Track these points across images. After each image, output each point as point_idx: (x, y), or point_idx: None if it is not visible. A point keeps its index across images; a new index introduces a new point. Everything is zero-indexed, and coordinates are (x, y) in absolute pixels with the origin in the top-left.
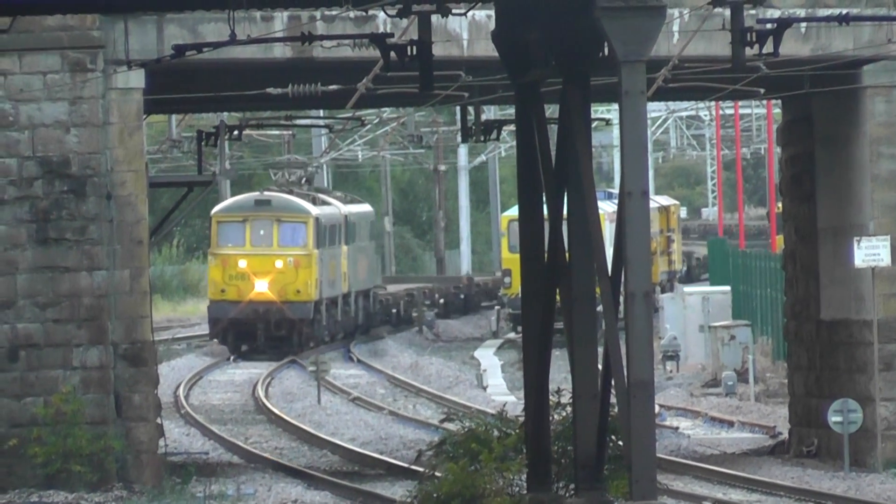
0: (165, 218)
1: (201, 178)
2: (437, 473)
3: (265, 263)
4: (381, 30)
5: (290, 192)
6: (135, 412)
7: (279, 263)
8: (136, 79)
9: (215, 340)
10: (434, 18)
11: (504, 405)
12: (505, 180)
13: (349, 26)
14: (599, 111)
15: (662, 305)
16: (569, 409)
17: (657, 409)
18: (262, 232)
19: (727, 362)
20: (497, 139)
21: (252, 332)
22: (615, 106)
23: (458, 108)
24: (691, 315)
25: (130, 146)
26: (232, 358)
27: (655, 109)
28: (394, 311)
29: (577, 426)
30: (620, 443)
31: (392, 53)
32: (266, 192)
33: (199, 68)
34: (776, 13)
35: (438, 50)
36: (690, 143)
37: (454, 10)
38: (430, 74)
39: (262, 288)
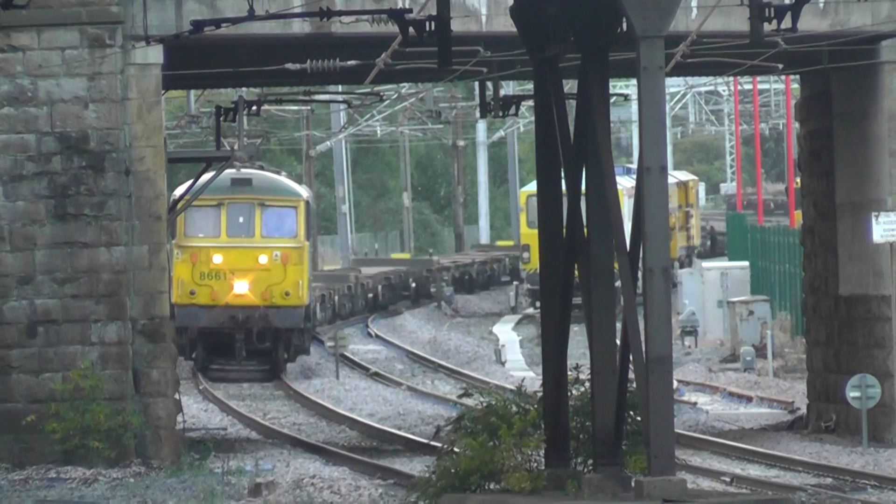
0: (184, 194)
1: (220, 154)
2: (456, 449)
3: (245, 259)
4: (400, 5)
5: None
6: (153, 388)
7: (263, 259)
8: (155, 54)
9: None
10: None
11: (522, 380)
12: (524, 156)
13: (368, 2)
14: (618, 87)
15: (681, 281)
16: (587, 384)
17: (675, 384)
18: (240, 219)
19: (746, 338)
20: (516, 115)
21: (227, 345)
22: (634, 81)
23: (476, 83)
24: (710, 290)
25: (149, 122)
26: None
27: (674, 85)
28: (370, 296)
29: (596, 402)
30: (639, 418)
31: (411, 29)
32: (245, 170)
33: (217, 44)
34: None
35: (457, 25)
36: (709, 118)
37: None
38: (449, 50)
39: (241, 289)
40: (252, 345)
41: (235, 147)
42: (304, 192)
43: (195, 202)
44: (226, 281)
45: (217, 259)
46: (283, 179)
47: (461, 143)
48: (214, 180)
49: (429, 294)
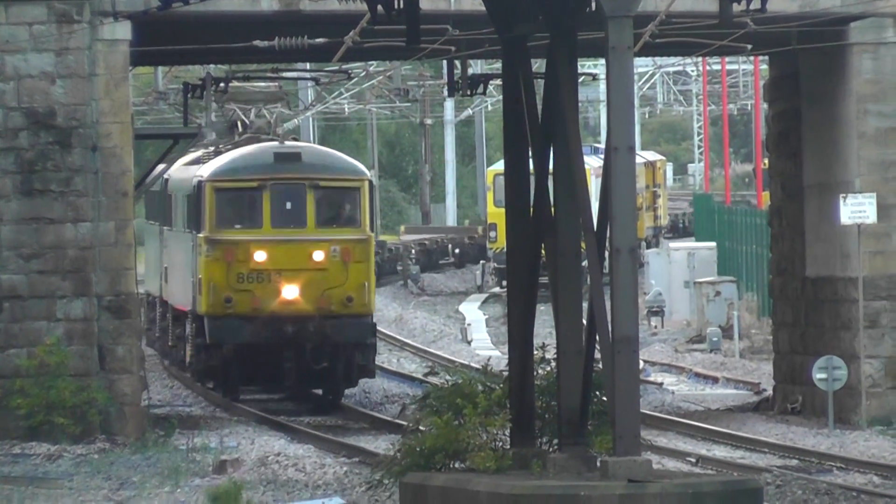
0: (150, 170)
1: (187, 131)
2: (421, 427)
3: (296, 256)
4: None
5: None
6: (118, 364)
7: (318, 255)
8: (123, 30)
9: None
10: None
11: (488, 359)
12: (491, 135)
13: None
14: (586, 66)
15: (648, 261)
16: (553, 364)
17: (641, 364)
18: (288, 205)
19: (712, 318)
20: (483, 94)
21: (275, 366)
22: (602, 61)
23: (444, 62)
24: (676, 271)
25: (116, 98)
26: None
27: (642, 65)
28: None
29: (562, 381)
30: (604, 398)
31: (379, 7)
32: (290, 143)
33: (185, 20)
34: None
35: (426, 3)
36: (677, 98)
37: None
38: (417, 28)
39: (291, 295)
40: (305, 365)
41: (202, 123)
42: (366, 169)
43: (228, 184)
44: (271, 284)
45: (259, 256)
46: (340, 154)
47: (429, 121)
48: (250, 154)
49: (395, 270)
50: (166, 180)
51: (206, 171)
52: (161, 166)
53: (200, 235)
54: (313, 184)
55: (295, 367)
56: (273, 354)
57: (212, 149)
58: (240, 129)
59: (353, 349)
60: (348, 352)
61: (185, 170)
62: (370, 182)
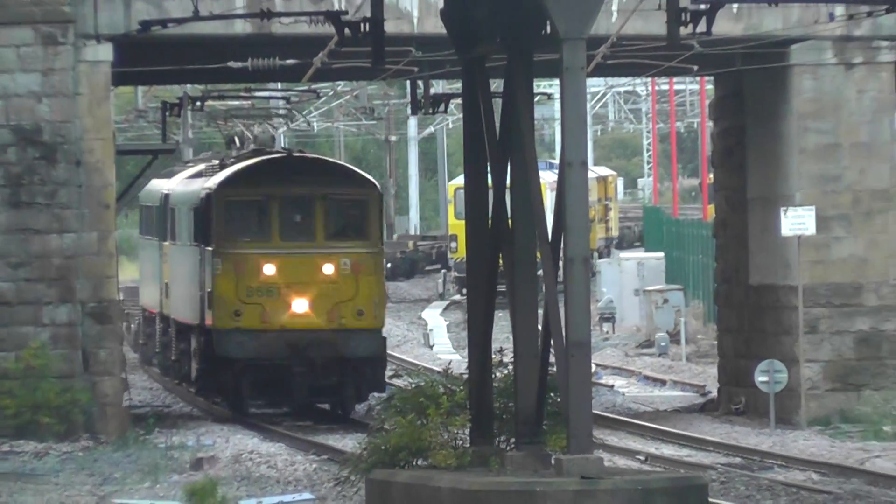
0: (131, 184)
1: (164, 147)
2: (386, 427)
3: (305, 269)
4: (337, 7)
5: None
6: (101, 367)
7: (328, 268)
8: (105, 52)
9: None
10: None
11: (449, 363)
12: (452, 151)
13: (306, 3)
14: (542, 86)
15: (600, 270)
16: (510, 367)
17: (594, 368)
18: (297, 217)
19: (660, 324)
20: (445, 112)
21: (282, 381)
22: (557, 81)
23: (408, 81)
24: (627, 279)
25: (99, 115)
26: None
27: (595, 84)
28: None
29: (518, 384)
30: (559, 400)
31: (346, 30)
32: (299, 155)
33: (164, 42)
34: None
35: (390, 27)
36: (627, 116)
37: None
38: (382, 50)
39: (301, 308)
40: (315, 380)
41: (180, 140)
42: (375, 181)
43: (236, 196)
44: (280, 298)
45: (269, 270)
46: (349, 166)
47: (393, 138)
48: (259, 167)
49: None
50: (167, 195)
51: (213, 183)
52: (154, 181)
53: (209, 249)
54: (323, 195)
55: (304, 382)
56: (282, 369)
57: (215, 162)
58: (237, 143)
59: (363, 363)
60: (359, 366)
61: (189, 183)
62: (379, 194)
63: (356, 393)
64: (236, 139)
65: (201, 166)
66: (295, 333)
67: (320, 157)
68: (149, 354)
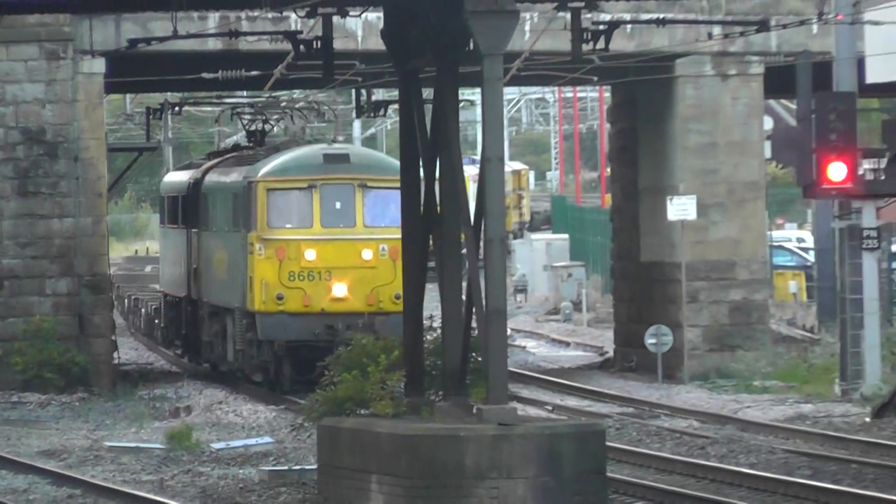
0: (120, 176)
1: (148, 145)
2: (335, 381)
3: (345, 254)
4: (293, 27)
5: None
6: (94, 330)
7: (367, 253)
8: (99, 65)
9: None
10: (335, 19)
11: None
12: (391, 149)
13: (268, 24)
14: (466, 94)
15: (514, 249)
16: (439, 331)
17: (509, 331)
18: (338, 204)
19: (565, 295)
20: (384, 115)
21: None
22: (479, 90)
23: (353, 90)
24: (537, 257)
25: (93, 119)
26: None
27: (510, 92)
28: None
29: (446, 345)
30: (480, 358)
31: (301, 47)
32: (338, 144)
33: (148, 57)
34: (607, 16)
35: (338, 44)
36: (538, 119)
37: (351, 13)
38: (331, 63)
39: (340, 292)
40: None
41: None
42: None
43: (280, 185)
44: (321, 282)
45: (310, 255)
46: (386, 156)
47: (340, 138)
48: (303, 157)
49: None
50: (196, 186)
51: (256, 172)
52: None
53: (252, 234)
54: (362, 184)
55: None
56: (323, 351)
57: (249, 153)
58: (257, 137)
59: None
60: None
61: (226, 173)
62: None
63: None
64: (257, 133)
65: (229, 158)
66: (335, 316)
67: (359, 147)
68: (171, 337)
